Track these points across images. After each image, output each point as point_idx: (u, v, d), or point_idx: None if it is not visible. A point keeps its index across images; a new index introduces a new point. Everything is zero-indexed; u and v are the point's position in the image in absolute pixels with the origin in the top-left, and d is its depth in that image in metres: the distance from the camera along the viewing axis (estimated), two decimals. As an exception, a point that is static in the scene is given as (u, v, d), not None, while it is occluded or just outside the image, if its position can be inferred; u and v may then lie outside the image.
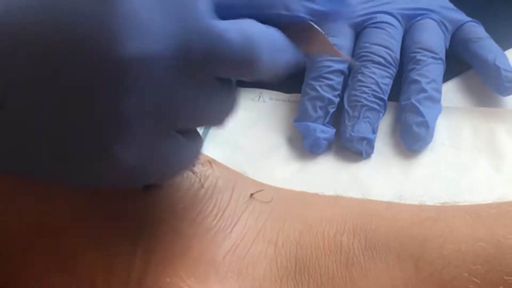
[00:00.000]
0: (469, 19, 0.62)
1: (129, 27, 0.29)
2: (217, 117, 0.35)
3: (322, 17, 0.35)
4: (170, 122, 0.32)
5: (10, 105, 0.30)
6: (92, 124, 0.31)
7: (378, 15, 0.60)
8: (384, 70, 0.57)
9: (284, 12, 0.34)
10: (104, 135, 0.31)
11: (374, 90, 0.56)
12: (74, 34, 0.29)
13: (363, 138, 0.55)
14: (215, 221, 0.39)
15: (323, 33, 0.36)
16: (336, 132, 0.56)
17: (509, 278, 0.34)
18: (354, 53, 0.59)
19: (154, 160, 0.33)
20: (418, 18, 0.61)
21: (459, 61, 0.62)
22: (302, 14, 0.34)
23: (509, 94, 0.59)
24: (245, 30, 0.32)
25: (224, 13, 0.32)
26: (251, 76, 0.34)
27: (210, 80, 0.33)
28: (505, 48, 0.61)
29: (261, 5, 0.33)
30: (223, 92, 0.34)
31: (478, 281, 0.34)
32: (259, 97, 0.61)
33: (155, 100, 0.31)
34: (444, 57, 0.59)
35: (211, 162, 0.41)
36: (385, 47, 0.58)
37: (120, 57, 0.29)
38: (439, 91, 0.57)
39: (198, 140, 0.36)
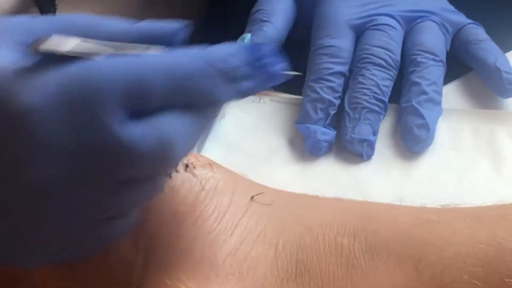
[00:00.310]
0: (470, 21, 0.62)
1: (28, 149, 0.30)
2: (140, 203, 0.36)
3: (253, 93, 0.35)
4: (93, 215, 0.33)
5: None
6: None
7: (378, 17, 0.60)
8: (384, 72, 0.57)
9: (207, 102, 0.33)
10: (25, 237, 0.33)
11: (374, 92, 0.56)
12: None
13: (364, 140, 0.55)
14: (216, 224, 0.39)
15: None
16: (336, 134, 0.56)
17: (509, 280, 0.34)
18: (355, 55, 0.59)
19: (77, 246, 0.35)
20: (419, 20, 0.61)
21: (460, 63, 0.62)
22: (231, 99, 0.34)
23: (510, 96, 0.58)
24: (161, 133, 0.32)
25: (143, 108, 0.32)
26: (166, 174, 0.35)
27: (126, 183, 0.33)
28: (505, 50, 0.61)
29: (190, 103, 0.33)
30: (141, 188, 0.34)
31: (479, 284, 0.34)
32: (260, 99, 0.61)
33: (73, 208, 0.32)
34: (444, 59, 0.59)
35: (211, 164, 0.41)
36: (386, 49, 0.58)
37: (24, 182, 0.30)
38: (439, 93, 0.57)
39: (124, 218, 0.35)
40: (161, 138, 0.31)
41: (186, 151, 0.34)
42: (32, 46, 0.30)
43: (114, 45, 0.32)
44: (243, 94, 0.34)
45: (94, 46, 0.32)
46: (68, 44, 0.31)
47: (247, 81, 0.34)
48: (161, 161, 0.32)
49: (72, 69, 0.30)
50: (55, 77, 0.30)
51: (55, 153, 0.30)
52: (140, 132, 0.31)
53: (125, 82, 0.31)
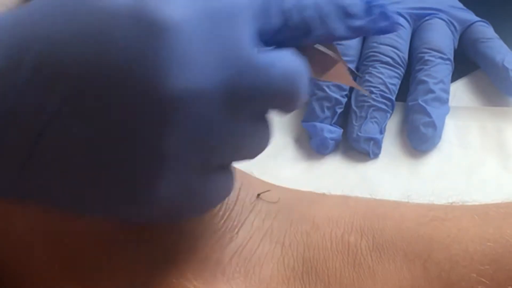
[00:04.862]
0: (478, 19, 0.62)
1: (175, 62, 0.29)
2: (253, 152, 0.35)
3: (364, 33, 0.35)
4: (210, 157, 0.32)
5: (47, 137, 0.30)
6: (132, 159, 0.30)
7: (386, 15, 0.60)
8: (392, 70, 0.57)
9: (325, 33, 0.34)
10: (144, 172, 0.31)
11: (381, 90, 0.56)
12: (118, 68, 0.29)
13: (370, 139, 0.55)
14: (222, 222, 0.39)
15: (348, 67, 0.37)
16: (343, 132, 0.56)
17: (517, 278, 0.33)
18: (362, 53, 0.59)
19: (191, 196, 0.33)
20: (427, 18, 0.61)
21: (468, 61, 0.61)
22: (343, 33, 0.34)
23: (517, 94, 0.58)
24: (288, 65, 0.32)
25: (266, 37, 0.32)
26: (287, 111, 0.34)
27: (252, 115, 0.33)
28: (514, 48, 0.61)
29: (305, 30, 0.33)
30: (261, 128, 0.34)
31: (487, 281, 0.34)
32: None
33: (198, 136, 0.31)
34: (452, 58, 0.59)
35: (218, 162, 0.41)
36: (393, 47, 0.58)
37: (165, 94, 0.29)
38: (447, 92, 0.57)
39: (231, 173, 0.35)
40: (287, 69, 0.32)
41: (305, 95, 0.33)
42: None
43: None
44: (354, 31, 0.34)
45: None
46: None
47: (359, 19, 0.34)
48: (288, 94, 0.32)
49: None
50: None
51: (194, 65, 0.29)
52: (269, 59, 0.31)
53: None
